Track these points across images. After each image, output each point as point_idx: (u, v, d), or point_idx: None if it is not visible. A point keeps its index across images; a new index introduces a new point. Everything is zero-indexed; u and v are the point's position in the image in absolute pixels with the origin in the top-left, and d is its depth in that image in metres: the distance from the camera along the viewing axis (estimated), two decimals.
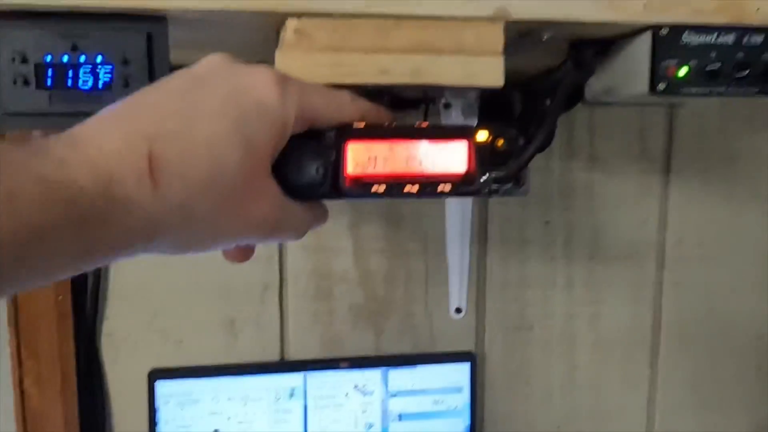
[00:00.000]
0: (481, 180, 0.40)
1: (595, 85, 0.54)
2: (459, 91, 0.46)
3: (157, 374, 0.75)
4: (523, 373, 0.85)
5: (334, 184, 0.38)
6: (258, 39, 0.50)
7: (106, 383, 0.76)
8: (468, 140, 0.40)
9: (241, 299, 0.78)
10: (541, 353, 0.85)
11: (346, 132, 0.38)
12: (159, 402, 0.75)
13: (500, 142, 0.40)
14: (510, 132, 0.40)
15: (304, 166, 0.38)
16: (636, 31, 0.48)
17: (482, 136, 0.41)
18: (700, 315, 0.87)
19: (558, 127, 0.76)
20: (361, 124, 0.39)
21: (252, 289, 0.78)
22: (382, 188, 0.39)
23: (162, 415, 0.75)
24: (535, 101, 0.55)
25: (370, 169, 0.39)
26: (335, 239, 0.79)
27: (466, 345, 0.83)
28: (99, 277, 0.74)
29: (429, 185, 0.39)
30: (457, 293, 0.82)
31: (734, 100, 0.83)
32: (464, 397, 0.82)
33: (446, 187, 0.39)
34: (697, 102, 0.80)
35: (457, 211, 0.80)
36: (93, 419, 0.76)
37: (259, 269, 0.77)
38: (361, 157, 0.39)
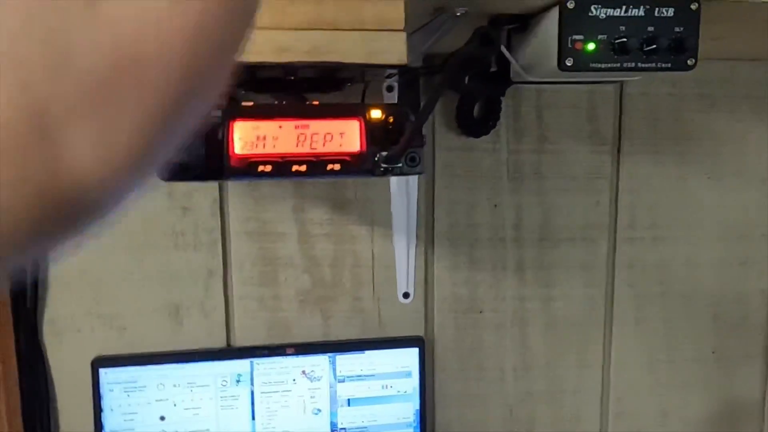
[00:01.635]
0: (374, 160, 0.39)
1: (516, 64, 0.53)
2: (362, 68, 0.45)
3: (101, 362, 0.75)
4: (475, 357, 0.85)
5: (219, 164, 0.37)
6: None
7: (49, 371, 0.76)
8: (359, 119, 0.39)
9: (185, 285, 0.77)
10: (493, 336, 0.85)
11: (232, 110, 0.38)
12: (104, 390, 0.75)
13: (391, 119, 0.39)
14: (402, 109, 0.39)
15: (190, 147, 0.37)
16: (547, 6, 0.47)
17: (376, 114, 0.40)
18: (655, 296, 0.87)
19: (504, 107, 0.76)
20: (249, 102, 0.38)
21: (196, 275, 0.77)
22: (268, 168, 0.38)
23: (107, 403, 0.75)
24: (452, 79, 0.54)
25: (258, 149, 0.38)
26: (279, 224, 0.78)
27: (416, 330, 0.83)
28: (39, 263, 0.73)
29: (318, 165, 0.39)
30: (405, 278, 0.81)
31: (683, 78, 0.82)
32: (414, 382, 0.81)
33: (336, 166, 0.39)
34: (644, 80, 0.79)
35: (403, 194, 0.79)
36: (36, 408, 0.75)
37: (203, 255, 0.77)
38: (248, 136, 0.38)
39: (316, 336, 0.81)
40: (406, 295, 0.82)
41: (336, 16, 0.44)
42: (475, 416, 0.85)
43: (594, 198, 0.84)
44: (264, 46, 0.43)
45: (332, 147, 0.39)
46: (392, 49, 0.44)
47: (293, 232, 0.78)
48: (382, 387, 0.81)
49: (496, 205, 0.82)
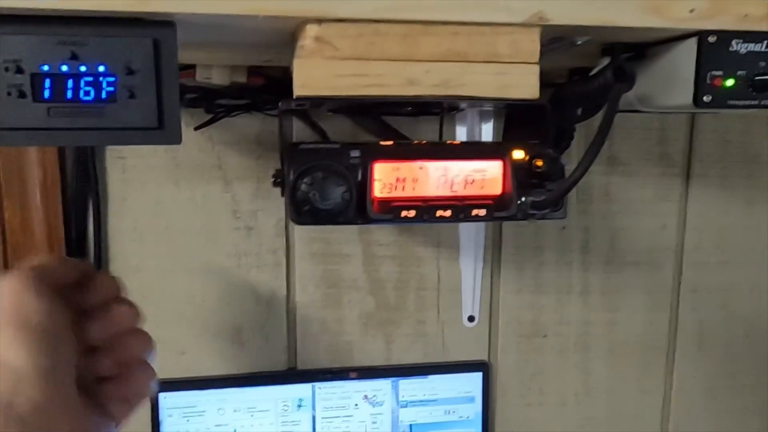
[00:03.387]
0: (518, 203, 0.37)
1: (628, 94, 0.51)
2: (490, 102, 0.43)
3: (160, 386, 0.72)
4: (537, 382, 0.83)
5: (361, 209, 0.35)
6: (273, 41, 0.47)
7: None
8: (503, 160, 0.37)
9: (247, 307, 0.75)
10: (556, 361, 0.83)
11: (371, 150, 0.35)
12: (162, 415, 0.72)
13: (539, 162, 0.37)
14: (548, 152, 0.37)
15: (328, 190, 0.34)
16: (679, 37, 0.45)
17: (518, 155, 0.38)
18: (718, 321, 0.85)
19: (576, 129, 0.73)
20: (389, 142, 0.36)
21: (258, 297, 0.75)
22: (412, 213, 0.36)
23: (166, 428, 0.73)
24: (563, 109, 0.52)
25: (398, 192, 0.36)
26: (344, 245, 0.76)
27: (479, 354, 0.80)
28: None
29: (462, 209, 0.36)
30: (470, 301, 0.79)
31: None
32: (476, 407, 0.79)
33: (481, 212, 0.37)
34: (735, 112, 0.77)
35: None
36: None
37: (266, 277, 0.74)
38: (388, 178, 0.36)
39: (378, 360, 0.78)
40: (471, 319, 0.80)
41: (468, 47, 0.41)
42: None
43: (661, 221, 0.82)
44: (393, 79, 0.40)
45: (473, 190, 0.37)
46: (524, 82, 0.42)
47: (358, 253, 0.76)
48: (445, 412, 0.79)
49: (563, 228, 0.80)
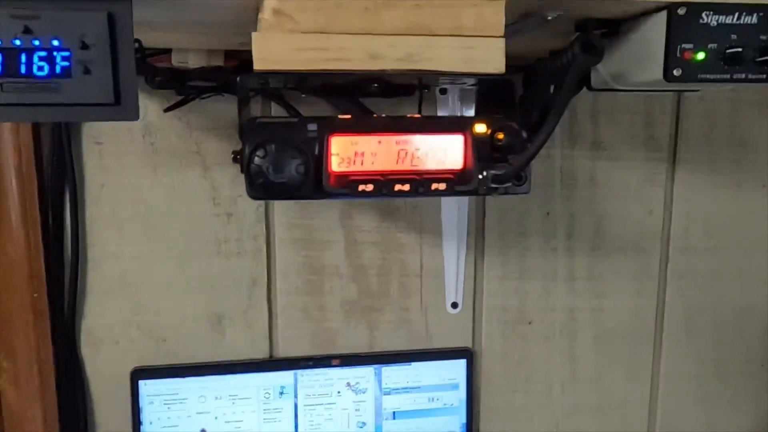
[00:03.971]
0: (479, 177, 0.36)
1: (602, 71, 0.50)
2: (456, 76, 0.42)
3: (140, 373, 0.72)
4: (522, 369, 0.82)
5: (317, 183, 0.34)
6: (239, 20, 0.46)
7: (86, 383, 0.73)
8: (464, 133, 0.36)
9: (228, 294, 0.74)
10: (541, 348, 0.82)
11: (329, 124, 0.34)
12: (143, 402, 0.72)
13: (500, 135, 0.36)
14: (510, 125, 0.36)
15: (283, 162, 0.34)
16: (649, 11, 0.44)
17: (480, 128, 0.37)
18: (706, 307, 0.84)
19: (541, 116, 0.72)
20: (347, 116, 0.35)
21: (239, 284, 0.74)
22: (370, 187, 0.35)
23: (146, 416, 0.72)
24: (536, 87, 0.51)
25: (357, 166, 0.35)
26: (326, 232, 0.75)
27: (463, 341, 0.80)
28: (77, 273, 0.70)
29: (422, 183, 0.35)
30: (454, 287, 0.78)
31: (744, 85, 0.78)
32: (460, 394, 0.79)
33: (441, 186, 0.36)
34: (707, 86, 0.76)
35: (453, 202, 0.76)
36: (74, 420, 0.72)
37: (247, 263, 0.74)
38: (346, 152, 0.35)
39: (361, 347, 0.78)
40: (454, 305, 0.79)
41: (433, 20, 0.40)
42: (522, 429, 0.83)
43: (647, 207, 0.81)
44: (355, 53, 0.40)
45: (434, 164, 0.36)
46: (491, 56, 0.41)
47: (340, 240, 0.75)
48: (429, 399, 0.79)
49: (548, 213, 0.79)
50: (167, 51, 0.64)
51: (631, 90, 0.57)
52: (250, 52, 0.64)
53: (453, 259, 0.78)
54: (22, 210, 0.65)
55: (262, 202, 0.73)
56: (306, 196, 0.35)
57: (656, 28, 0.43)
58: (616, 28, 0.49)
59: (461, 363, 0.79)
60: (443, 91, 0.70)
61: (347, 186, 0.35)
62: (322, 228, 0.75)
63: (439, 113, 0.72)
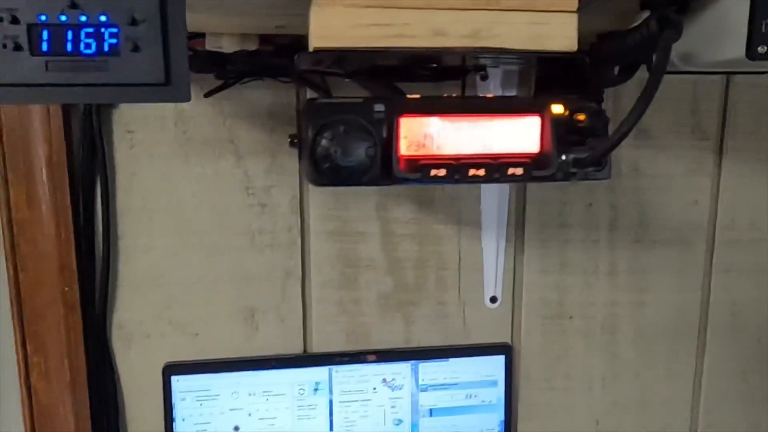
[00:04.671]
0: (558, 161, 0.34)
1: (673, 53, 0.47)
2: (524, 54, 0.39)
3: (172, 369, 0.70)
4: (562, 365, 0.79)
5: (385, 168, 0.32)
6: (282, 3, 0.43)
7: (118, 379, 0.71)
8: (541, 115, 0.34)
9: (261, 288, 0.72)
10: (581, 344, 0.79)
11: (397, 105, 0.32)
12: (175, 398, 0.70)
13: (581, 116, 0.34)
14: (591, 105, 0.34)
15: (352, 145, 0.31)
16: None
17: (558, 109, 0.35)
18: (751, 302, 0.81)
19: (603, 99, 0.69)
20: (415, 96, 0.32)
21: (273, 278, 0.72)
22: (442, 172, 0.32)
23: (179, 412, 0.70)
24: (598, 70, 0.48)
25: (428, 149, 0.33)
26: (361, 223, 0.73)
27: (502, 336, 0.77)
28: (108, 266, 0.68)
29: (497, 168, 0.33)
30: (493, 281, 0.76)
31: None
32: (499, 391, 0.76)
33: (518, 171, 0.33)
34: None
35: (493, 193, 0.74)
36: (105, 415, 0.71)
37: (280, 256, 0.71)
38: (415, 135, 0.33)
39: (397, 342, 0.75)
40: (493, 300, 0.76)
41: None
42: (561, 427, 0.80)
43: (692, 197, 0.78)
44: (417, 29, 0.37)
45: (509, 147, 0.33)
46: (562, 33, 0.38)
47: (376, 231, 0.73)
48: (466, 396, 0.76)
49: (590, 204, 0.76)
50: (200, 35, 0.62)
51: (680, 72, 0.54)
52: (285, 36, 0.62)
53: (492, 251, 0.75)
54: (52, 201, 0.64)
55: (296, 193, 0.71)
56: (374, 181, 0.32)
57: (737, 2, 0.40)
58: (686, 4, 0.46)
59: (500, 359, 0.76)
60: (484, 78, 0.68)
61: (418, 171, 0.32)
62: (357, 219, 0.72)
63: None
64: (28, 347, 0.66)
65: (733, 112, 0.77)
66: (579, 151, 0.33)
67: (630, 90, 0.74)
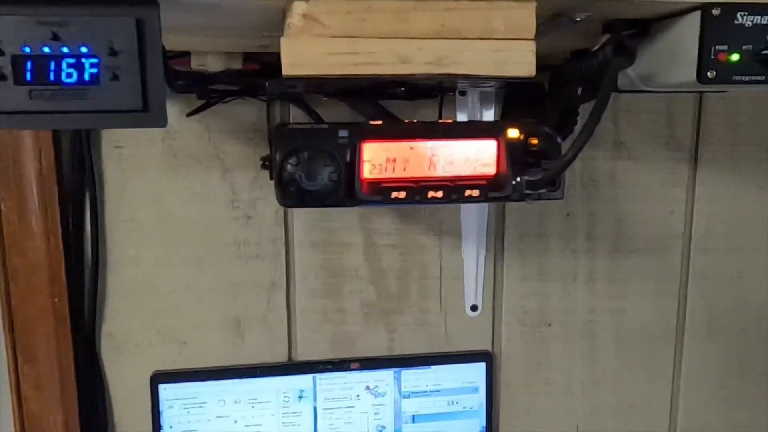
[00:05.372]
0: (513, 183, 0.36)
1: (630, 72, 0.49)
2: (485, 80, 0.41)
3: (160, 377, 0.72)
4: (542, 371, 0.81)
5: (349, 190, 0.34)
6: (264, 23, 0.46)
7: (107, 387, 0.73)
8: (497, 139, 0.36)
9: (247, 298, 0.74)
10: (561, 350, 0.81)
11: (360, 130, 0.34)
12: (163, 406, 0.72)
13: (534, 140, 0.36)
14: (544, 130, 0.36)
15: (316, 170, 0.33)
16: (682, 11, 0.43)
17: (513, 133, 0.37)
18: (728, 308, 0.83)
19: (580, 113, 0.71)
20: (378, 122, 0.34)
21: (258, 288, 0.74)
22: (402, 194, 0.34)
23: (166, 419, 0.72)
24: (562, 89, 0.50)
25: (388, 173, 0.35)
26: (345, 234, 0.74)
27: (483, 343, 0.79)
28: (97, 277, 0.70)
29: (455, 190, 0.35)
30: (473, 290, 0.78)
31: None
32: (480, 397, 0.78)
33: (474, 192, 0.35)
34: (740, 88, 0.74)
35: (473, 204, 0.76)
36: (94, 423, 0.72)
37: (266, 266, 0.73)
38: (377, 159, 0.35)
39: (380, 350, 0.77)
40: (474, 308, 0.78)
41: (463, 24, 0.40)
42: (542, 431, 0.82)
43: (669, 207, 0.80)
44: (385, 57, 0.39)
45: (467, 170, 0.36)
46: (521, 59, 0.40)
47: (359, 242, 0.75)
48: (448, 403, 0.78)
49: (568, 214, 0.78)
50: (186, 54, 0.64)
51: (656, 91, 0.57)
52: (270, 54, 0.64)
53: (472, 261, 0.77)
54: (42, 214, 0.65)
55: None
56: (338, 203, 0.34)
57: (689, 28, 0.42)
58: (645, 28, 0.48)
59: (481, 366, 0.78)
60: (463, 93, 0.70)
61: (380, 193, 0.34)
62: (341, 230, 0.74)
63: (459, 115, 0.71)
64: (18, 357, 0.68)
65: (707, 124, 0.79)
66: (533, 173, 0.35)
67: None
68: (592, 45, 0.54)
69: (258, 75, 0.57)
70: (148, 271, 0.71)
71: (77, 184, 0.68)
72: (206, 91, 0.60)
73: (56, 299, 0.67)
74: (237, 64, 0.64)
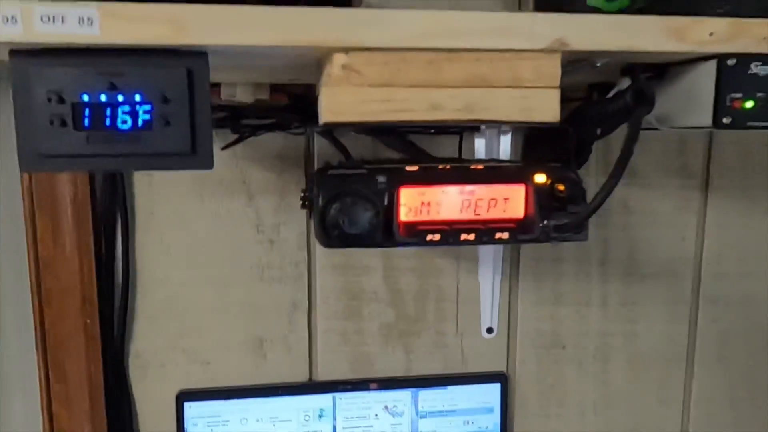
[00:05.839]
0: (540, 226, 0.38)
1: (650, 115, 0.52)
2: (512, 124, 0.44)
3: (185, 396, 0.74)
4: (556, 393, 0.83)
5: (387, 232, 0.36)
6: (299, 65, 0.48)
7: (134, 405, 0.75)
8: (525, 184, 0.38)
9: (269, 319, 0.76)
10: (575, 372, 0.83)
11: (397, 176, 0.36)
12: (187, 424, 0.74)
13: (561, 186, 0.38)
14: (570, 176, 0.38)
15: (357, 215, 0.36)
16: (699, 58, 0.46)
17: (540, 179, 0.39)
18: (739, 332, 0.85)
19: (594, 143, 0.73)
20: (414, 167, 0.37)
21: (281, 309, 0.76)
22: (437, 237, 0.37)
23: None
24: (582, 128, 0.52)
25: (423, 216, 0.37)
26: (365, 257, 0.77)
27: (498, 365, 0.81)
28: (126, 298, 0.72)
29: (486, 233, 0.37)
30: (489, 313, 0.80)
31: None
32: (495, 418, 0.80)
33: (504, 235, 0.37)
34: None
35: None
36: None
37: (288, 288, 0.76)
38: (413, 203, 0.37)
39: (398, 371, 0.79)
40: (489, 330, 0.80)
41: (492, 73, 0.42)
42: None
43: (680, 233, 0.82)
44: (417, 104, 0.41)
45: (496, 213, 0.38)
46: (546, 106, 0.43)
47: (378, 265, 0.77)
48: (464, 423, 0.80)
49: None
50: (215, 85, 0.66)
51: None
52: (298, 85, 0.67)
53: (488, 284, 0.79)
54: (76, 238, 0.68)
55: (303, 230, 0.75)
56: (378, 245, 0.36)
57: (705, 76, 0.45)
58: (663, 71, 0.50)
59: (496, 387, 0.80)
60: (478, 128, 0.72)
61: (416, 235, 0.36)
62: (360, 254, 0.77)
63: (476, 143, 0.73)
64: (50, 376, 0.70)
65: (717, 152, 0.81)
66: (559, 217, 0.38)
67: (618, 132, 0.79)
68: (609, 80, 0.56)
69: (289, 110, 0.60)
70: (174, 293, 0.74)
71: (109, 209, 0.70)
72: (238, 125, 0.62)
73: (87, 320, 0.69)
74: (264, 94, 0.67)
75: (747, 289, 0.84)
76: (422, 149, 0.67)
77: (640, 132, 0.43)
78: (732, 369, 0.85)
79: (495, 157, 0.66)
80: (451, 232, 0.37)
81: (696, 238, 0.83)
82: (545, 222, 0.38)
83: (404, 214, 0.36)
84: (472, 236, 0.37)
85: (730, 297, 0.84)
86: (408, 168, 0.36)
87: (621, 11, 0.52)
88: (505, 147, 0.73)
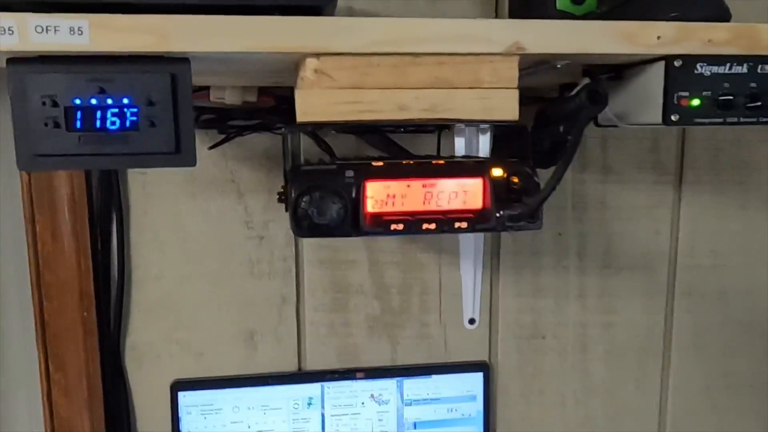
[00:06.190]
0: (496, 216, 0.41)
1: (608, 110, 0.55)
2: (474, 123, 0.47)
3: (179, 385, 0.77)
4: (537, 382, 0.86)
5: (354, 222, 0.39)
6: (278, 69, 0.52)
7: (130, 394, 0.78)
8: (483, 177, 0.41)
9: (259, 312, 0.79)
10: (554, 362, 0.86)
11: (364, 170, 0.40)
12: (182, 412, 0.77)
13: (515, 179, 0.41)
14: (524, 169, 0.41)
15: (326, 206, 0.39)
16: (649, 60, 0.49)
17: (497, 172, 0.42)
18: (713, 322, 0.88)
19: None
20: (380, 163, 0.40)
21: (270, 303, 0.79)
22: (400, 226, 0.40)
23: (185, 425, 0.77)
24: (547, 126, 0.56)
25: (389, 207, 0.40)
26: (351, 252, 0.80)
27: (480, 355, 0.84)
28: (122, 292, 0.75)
29: (446, 222, 0.40)
30: (471, 304, 0.83)
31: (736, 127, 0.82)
32: (478, 405, 0.83)
33: (463, 224, 0.41)
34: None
35: None
36: (119, 428, 0.78)
37: (277, 283, 0.79)
38: (379, 195, 0.40)
39: (384, 361, 0.83)
40: (471, 321, 0.83)
41: (454, 75, 0.45)
42: None
43: (655, 227, 0.85)
44: (385, 105, 0.45)
45: (456, 204, 0.41)
46: (505, 105, 0.46)
47: (364, 260, 0.80)
48: (448, 410, 0.83)
49: (560, 234, 0.83)
50: (205, 88, 0.70)
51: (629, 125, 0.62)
52: (284, 88, 0.70)
53: (470, 277, 0.82)
54: (73, 235, 0.71)
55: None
56: (345, 234, 0.40)
57: (655, 76, 0.48)
58: (620, 72, 0.53)
59: (478, 376, 0.83)
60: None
61: (381, 225, 0.40)
62: (347, 249, 0.80)
63: (456, 142, 0.76)
64: (50, 366, 0.73)
65: (690, 149, 0.84)
66: (514, 207, 0.41)
67: (594, 131, 0.82)
68: (577, 81, 0.59)
69: (273, 111, 0.63)
70: (168, 288, 0.77)
71: (105, 207, 0.74)
72: (225, 126, 0.66)
73: (85, 313, 0.72)
74: (252, 97, 0.70)
75: (720, 280, 0.87)
76: (403, 147, 0.70)
77: (583, 128, 0.46)
78: (707, 358, 0.88)
79: (474, 154, 0.69)
80: (413, 222, 0.40)
81: (670, 232, 0.86)
82: (501, 212, 0.41)
83: (371, 206, 0.40)
84: (433, 226, 0.40)
85: (704, 288, 0.87)
86: (374, 163, 0.40)
87: (587, 15, 0.56)
88: (483, 145, 0.76)
